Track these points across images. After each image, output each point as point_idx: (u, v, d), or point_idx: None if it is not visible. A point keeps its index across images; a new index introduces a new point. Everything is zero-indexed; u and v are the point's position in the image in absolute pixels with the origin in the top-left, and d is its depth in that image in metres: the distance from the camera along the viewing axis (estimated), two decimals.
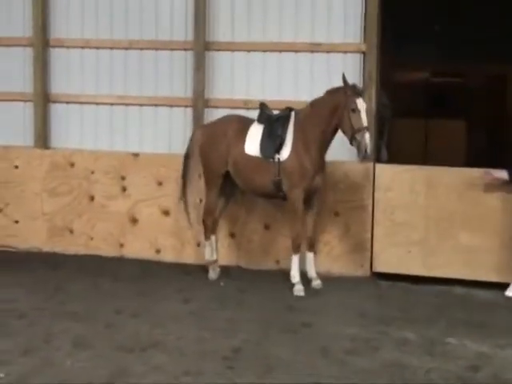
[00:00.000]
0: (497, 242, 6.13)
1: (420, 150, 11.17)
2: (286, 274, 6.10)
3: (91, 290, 5.84)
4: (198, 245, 6.79)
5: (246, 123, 6.20)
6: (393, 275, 6.38)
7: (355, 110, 5.62)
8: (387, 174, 6.44)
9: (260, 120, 6.13)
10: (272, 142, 5.92)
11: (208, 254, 6.40)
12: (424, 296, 5.98)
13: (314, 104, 5.97)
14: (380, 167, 6.50)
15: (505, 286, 6.03)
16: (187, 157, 6.41)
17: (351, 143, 5.71)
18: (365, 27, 6.65)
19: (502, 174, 5.97)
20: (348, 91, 5.68)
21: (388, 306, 5.66)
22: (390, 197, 6.43)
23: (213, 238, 6.41)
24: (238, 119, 6.31)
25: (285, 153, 5.91)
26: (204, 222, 6.38)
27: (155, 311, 5.28)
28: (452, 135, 11.31)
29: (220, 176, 6.21)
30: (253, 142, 6.02)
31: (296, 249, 5.99)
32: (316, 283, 6.13)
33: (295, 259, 5.99)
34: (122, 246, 7.00)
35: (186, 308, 5.40)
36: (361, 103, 5.66)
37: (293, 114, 6.04)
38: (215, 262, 6.40)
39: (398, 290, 6.14)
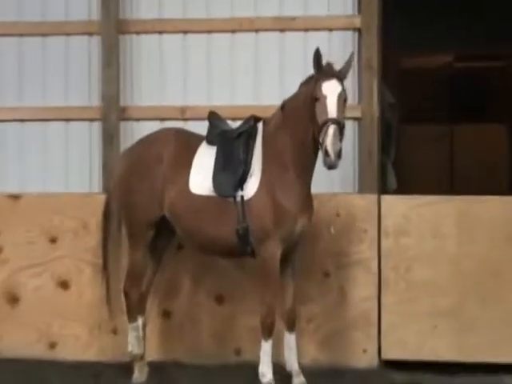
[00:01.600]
0: None
1: (444, 171, 11.31)
2: (251, 368, 6.03)
3: None
4: (115, 332, 6.74)
5: (189, 142, 6.16)
6: (411, 363, 6.43)
7: (319, 98, 5.60)
8: (399, 209, 6.54)
9: (211, 139, 6.08)
10: (232, 171, 5.86)
11: (132, 345, 6.29)
12: None
13: (286, 106, 5.94)
14: (388, 200, 6.61)
15: None
16: (108, 200, 6.40)
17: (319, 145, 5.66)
18: None
19: None
20: (316, 75, 5.69)
21: None
22: (405, 245, 6.52)
23: (140, 319, 6.33)
24: (178, 136, 6.26)
25: (251, 187, 5.82)
26: (126, 294, 6.30)
27: None
28: (489, 146, 11.44)
29: (150, 225, 6.16)
30: (201, 174, 5.96)
31: (267, 332, 5.90)
32: (298, 382, 6.05)
33: (266, 347, 5.91)
34: None
35: None
36: (330, 87, 5.62)
37: (260, 125, 5.99)
38: (142, 356, 6.30)
39: None
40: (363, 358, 6.51)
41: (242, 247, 5.88)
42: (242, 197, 5.82)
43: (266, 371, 5.86)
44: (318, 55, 5.65)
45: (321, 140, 5.50)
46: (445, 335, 6.41)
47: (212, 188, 5.89)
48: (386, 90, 7.22)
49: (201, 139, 6.18)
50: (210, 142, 6.07)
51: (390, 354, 6.48)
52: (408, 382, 6.22)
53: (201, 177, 5.96)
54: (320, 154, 5.73)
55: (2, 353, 6.83)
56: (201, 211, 5.94)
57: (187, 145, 6.16)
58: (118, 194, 6.31)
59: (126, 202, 6.25)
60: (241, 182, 5.83)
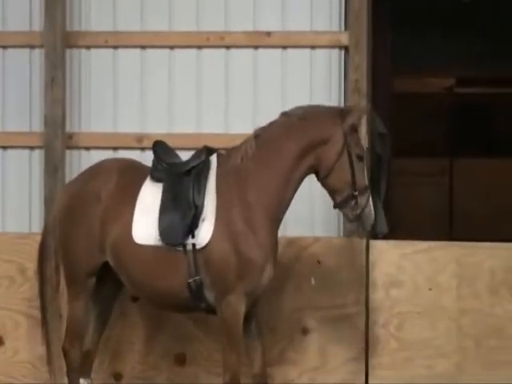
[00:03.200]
0: None
1: (442, 211, 11.41)
2: None
3: None
4: None
5: (133, 177, 6.11)
6: None
7: (363, 158, 5.79)
8: (390, 257, 6.65)
9: (156, 175, 6.04)
10: (180, 215, 5.83)
11: None
12: None
13: (266, 136, 5.93)
14: (377, 246, 6.69)
15: None
16: (44, 241, 6.38)
17: (340, 207, 5.83)
18: (346, 7, 6.98)
19: None
20: (353, 120, 5.79)
21: None
22: (397, 298, 6.62)
23: (83, 383, 6.28)
24: (123, 169, 6.22)
25: (204, 234, 5.81)
26: (66, 355, 6.26)
27: None
28: (495, 183, 11.68)
29: (91, 273, 6.13)
30: (145, 219, 5.92)
31: None
32: None
33: None
34: None
35: None
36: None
37: (214, 158, 5.99)
38: None
39: None
40: None
41: (196, 303, 5.85)
42: (194, 245, 5.79)
43: None
44: (360, 109, 6.03)
45: (363, 202, 5.72)
46: None
47: (159, 236, 5.84)
48: (376, 117, 7.28)
49: (146, 171, 6.13)
50: (156, 179, 6.00)
51: None
52: None
53: (144, 223, 5.91)
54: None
55: None
56: (147, 262, 5.89)
57: (132, 180, 6.08)
58: (55, 235, 6.28)
59: (63, 246, 6.21)
60: (191, 228, 5.78)
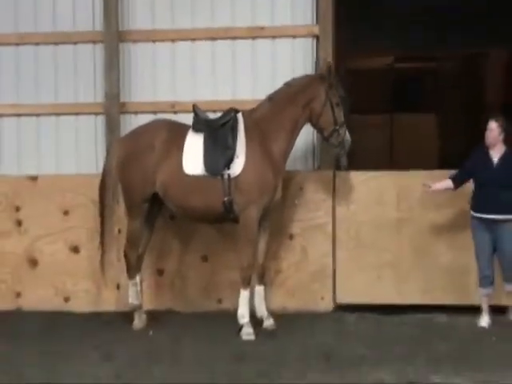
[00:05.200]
0: None
1: (386, 152, 11.49)
2: (230, 315, 6.18)
3: None
4: (118, 287, 6.80)
5: (178, 131, 6.20)
6: (361, 306, 6.57)
7: (339, 104, 6.05)
8: (349, 183, 6.65)
9: (197, 127, 6.15)
10: (220, 154, 5.97)
11: (132, 297, 6.39)
12: (399, 328, 6.20)
13: (276, 99, 6.13)
14: (340, 176, 6.68)
15: (494, 311, 6.27)
16: (104, 178, 6.40)
17: (327, 140, 6.12)
18: (317, 6, 6.88)
19: (445, 184, 6.21)
20: (331, 80, 6.05)
21: (357, 344, 5.81)
22: (354, 211, 6.64)
23: (137, 276, 6.42)
24: (168, 126, 6.30)
25: (237, 167, 5.97)
26: (126, 257, 6.37)
27: (67, 376, 5.20)
28: (422, 132, 11.68)
29: (145, 200, 6.22)
30: (192, 158, 6.02)
31: (246, 282, 6.07)
32: (268, 323, 6.23)
33: (245, 295, 6.07)
34: (18, 295, 6.97)
35: (107, 368, 5.35)
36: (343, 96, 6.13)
37: (240, 115, 6.12)
38: (140, 306, 6.41)
39: (367, 324, 6.36)
40: (322, 303, 6.63)
41: (227, 214, 6.02)
42: (229, 175, 5.95)
43: (244, 313, 6.03)
44: (330, 65, 6.19)
45: (341, 133, 6.06)
46: (387, 284, 6.56)
47: (203, 168, 5.99)
48: (339, 84, 7.34)
49: (186, 128, 6.19)
50: (197, 130, 6.12)
51: (344, 299, 6.63)
52: (357, 320, 6.39)
53: (192, 160, 6.02)
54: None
55: (23, 308, 6.88)
56: (192, 187, 6.01)
57: (176, 133, 6.17)
58: (116, 174, 6.29)
59: (123, 182, 6.26)
60: (228, 163, 5.95)
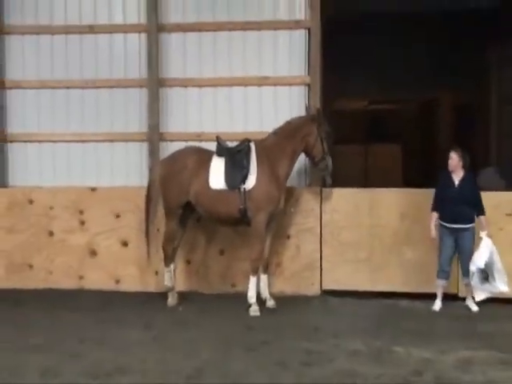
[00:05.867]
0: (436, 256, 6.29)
1: (361, 174, 11.50)
2: (242, 296, 6.25)
3: (53, 322, 5.85)
4: (157, 273, 6.86)
5: (204, 155, 6.36)
6: (342, 292, 6.63)
7: (326, 138, 6.18)
8: (333, 197, 6.71)
9: (219, 153, 6.28)
10: (237, 173, 6.11)
11: (167, 281, 6.48)
12: (371, 309, 6.25)
13: (280, 133, 6.28)
14: (326, 191, 6.73)
15: (447, 297, 6.30)
16: (149, 190, 6.51)
17: (317, 165, 6.25)
18: (309, 60, 6.95)
19: (434, 218, 6.19)
20: (320, 120, 6.19)
21: (339, 321, 5.90)
22: (337, 218, 6.69)
23: (172, 265, 6.50)
24: (197, 151, 6.44)
25: (250, 182, 6.11)
26: (164, 249, 6.46)
27: (118, 338, 5.34)
28: (390, 158, 11.73)
29: (180, 207, 6.32)
30: (216, 176, 6.17)
31: (255, 271, 6.16)
32: (271, 303, 6.32)
33: (253, 281, 6.14)
34: (81, 278, 7.02)
35: (147, 333, 5.48)
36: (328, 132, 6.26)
37: (252, 144, 6.27)
38: (173, 288, 6.49)
39: (347, 305, 6.41)
40: (312, 289, 6.67)
41: (242, 219, 6.14)
42: (244, 188, 6.08)
43: (252, 295, 6.12)
44: (320, 112, 6.29)
45: (327, 160, 6.19)
46: (362, 274, 6.59)
47: (224, 184, 6.14)
48: (325, 121, 7.44)
49: (210, 152, 6.33)
50: (220, 155, 6.26)
51: (329, 286, 6.66)
52: (339, 302, 6.44)
53: (216, 177, 6.15)
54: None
55: (85, 287, 6.96)
56: (216, 198, 6.13)
57: (203, 157, 6.30)
58: (158, 187, 6.37)
59: (164, 193, 6.35)
60: (243, 179, 6.09)
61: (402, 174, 11.46)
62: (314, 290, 6.70)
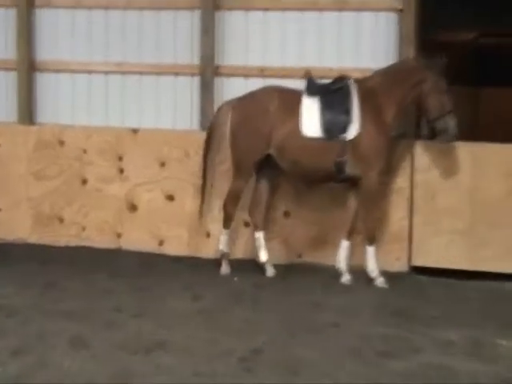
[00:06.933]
0: None
1: (470, 124, 11.18)
2: (309, 268, 6.37)
3: (86, 286, 6.07)
4: (208, 235, 6.99)
5: (290, 97, 6.32)
6: (434, 270, 6.60)
7: (446, 92, 6.12)
8: (428, 152, 6.61)
9: (311, 92, 6.26)
10: (337, 118, 6.12)
11: (223, 245, 6.56)
12: (470, 293, 6.18)
13: (387, 74, 6.26)
14: (420, 145, 6.64)
15: None
16: (210, 136, 6.55)
17: (433, 125, 6.19)
18: None
19: None
20: (440, 69, 6.12)
21: (428, 305, 5.84)
22: (432, 178, 6.62)
23: (226, 231, 6.56)
24: (280, 93, 6.40)
25: (353, 130, 6.11)
26: (226, 209, 6.51)
27: (160, 310, 5.49)
28: (507, 106, 11.30)
29: (256, 161, 6.34)
30: (309, 121, 6.17)
31: (372, 240, 6.28)
32: (346, 278, 6.37)
33: (371, 251, 6.27)
34: (119, 236, 7.21)
35: (194, 306, 5.61)
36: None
37: (351, 83, 6.24)
38: (229, 255, 6.60)
39: (439, 287, 6.35)
40: (397, 264, 6.64)
41: (337, 175, 6.18)
42: (345, 138, 6.09)
43: (373, 269, 6.26)
44: (442, 58, 6.15)
45: (449, 120, 6.11)
46: (460, 249, 6.52)
47: (321, 131, 6.13)
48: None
49: (298, 93, 6.28)
50: (312, 94, 6.22)
51: (418, 261, 6.62)
52: (430, 282, 6.40)
53: (309, 122, 6.15)
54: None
55: (123, 247, 7.15)
56: (308, 148, 6.14)
57: (289, 98, 6.30)
58: (227, 134, 6.40)
59: (237, 144, 6.35)
60: (344, 127, 6.09)
61: None
62: (399, 265, 6.68)
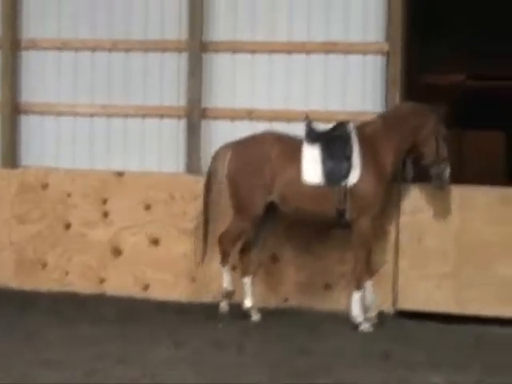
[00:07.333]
0: None
1: (454, 166, 11.24)
2: (295, 312, 6.33)
3: (68, 333, 5.99)
4: (194, 280, 6.95)
5: (289, 142, 6.34)
6: (420, 313, 6.56)
7: (445, 139, 6.18)
8: (415, 194, 6.63)
9: (312, 139, 6.28)
10: (338, 165, 6.14)
11: (227, 283, 6.42)
12: (456, 337, 6.15)
13: (388, 118, 6.32)
14: (406, 187, 6.66)
15: None
16: (209, 179, 6.47)
17: (426, 168, 6.26)
18: (388, 23, 6.86)
19: None
20: (440, 116, 6.20)
21: (414, 349, 5.78)
22: (418, 221, 6.60)
23: (227, 266, 6.44)
24: (280, 139, 6.40)
25: (354, 177, 6.13)
26: (221, 244, 6.39)
27: (143, 357, 5.43)
28: (491, 149, 11.46)
29: (260, 208, 6.29)
30: (311, 168, 6.19)
31: (359, 285, 6.21)
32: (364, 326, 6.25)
33: (357, 297, 6.20)
34: (102, 281, 7.17)
35: (178, 353, 5.55)
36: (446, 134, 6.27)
37: (351, 128, 6.27)
38: (233, 293, 6.45)
39: (425, 330, 6.32)
40: (383, 307, 6.52)
41: (339, 220, 6.18)
42: (346, 184, 6.11)
43: (358, 314, 6.20)
44: (443, 107, 6.27)
45: (443, 168, 6.20)
46: (446, 293, 6.50)
47: (322, 178, 6.15)
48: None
49: (298, 140, 6.29)
50: (312, 141, 6.23)
51: (404, 305, 6.58)
52: (416, 326, 6.36)
53: (311, 170, 6.16)
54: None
55: (106, 293, 7.08)
56: (309, 195, 6.15)
57: (289, 145, 6.30)
58: (227, 180, 6.35)
59: (237, 190, 6.30)
60: (346, 174, 6.11)
61: (507, 169, 11.14)
62: (385, 308, 6.63)
